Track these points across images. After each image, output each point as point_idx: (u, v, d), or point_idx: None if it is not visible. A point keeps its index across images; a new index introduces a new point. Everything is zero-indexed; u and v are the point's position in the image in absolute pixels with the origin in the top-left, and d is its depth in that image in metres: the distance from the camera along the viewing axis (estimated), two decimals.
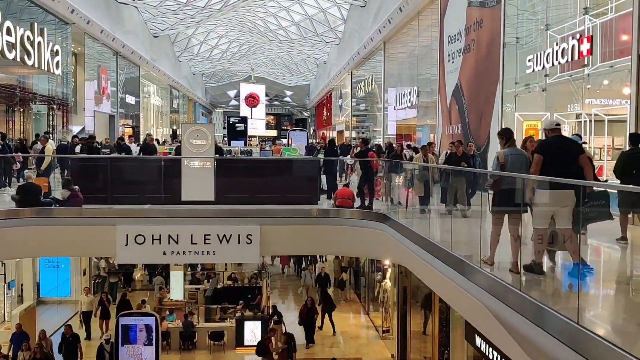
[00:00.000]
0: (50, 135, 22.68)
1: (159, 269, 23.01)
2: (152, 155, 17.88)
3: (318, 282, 21.14)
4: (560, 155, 6.60)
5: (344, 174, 16.08)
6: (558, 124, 7.08)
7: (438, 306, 13.50)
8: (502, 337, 6.12)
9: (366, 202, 12.88)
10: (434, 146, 13.47)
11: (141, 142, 21.89)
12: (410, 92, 24.77)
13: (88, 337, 17.81)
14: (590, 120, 13.09)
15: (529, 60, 14.25)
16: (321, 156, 17.87)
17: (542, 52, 13.67)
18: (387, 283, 18.57)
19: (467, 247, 7.86)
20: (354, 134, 38.47)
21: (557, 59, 13.03)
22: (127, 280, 23.40)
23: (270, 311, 18.32)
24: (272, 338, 15.78)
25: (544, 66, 13.63)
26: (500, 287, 6.16)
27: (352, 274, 23.62)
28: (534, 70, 14.15)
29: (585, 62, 12.37)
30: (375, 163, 13.43)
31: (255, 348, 15.71)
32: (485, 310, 6.37)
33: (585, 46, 12.10)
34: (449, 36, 19.39)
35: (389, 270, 18.36)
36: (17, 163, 16.25)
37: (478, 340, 10.29)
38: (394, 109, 28.03)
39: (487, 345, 9.76)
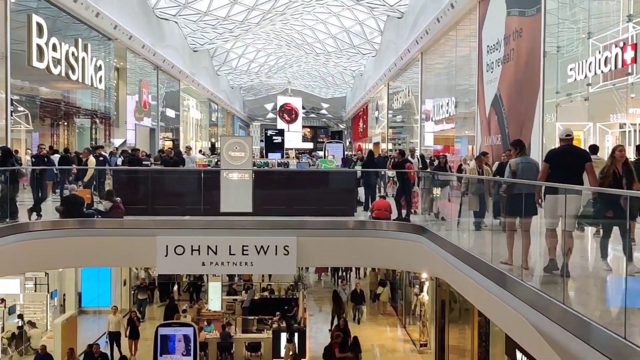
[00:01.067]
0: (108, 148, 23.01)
1: (184, 280, 23.14)
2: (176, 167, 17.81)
3: (353, 299, 20.87)
4: (565, 163, 7.23)
5: (382, 186, 15.92)
6: (569, 135, 7.61)
7: (477, 320, 13.28)
8: (544, 351, 5.97)
9: (403, 214, 12.78)
10: (488, 157, 12.89)
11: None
12: (448, 103, 24.57)
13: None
14: (635, 130, 12.74)
15: (571, 69, 13.99)
16: (358, 168, 17.85)
17: (584, 61, 13.39)
18: (425, 296, 18.36)
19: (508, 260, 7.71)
20: (390, 146, 38.30)
21: (599, 68, 12.75)
22: (167, 292, 23.41)
23: (286, 328, 18.04)
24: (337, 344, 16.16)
25: (586, 75, 13.35)
26: (543, 300, 6.02)
27: (389, 287, 23.40)
28: (575, 79, 13.87)
29: (629, 71, 12.07)
30: (412, 175, 13.34)
31: (323, 353, 16.18)
32: (527, 324, 6.23)
33: (629, 54, 11.81)
34: (488, 46, 19.18)
35: (426, 283, 18.16)
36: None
37: (519, 355, 10.07)
38: (431, 120, 27.84)
39: None
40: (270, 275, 23.84)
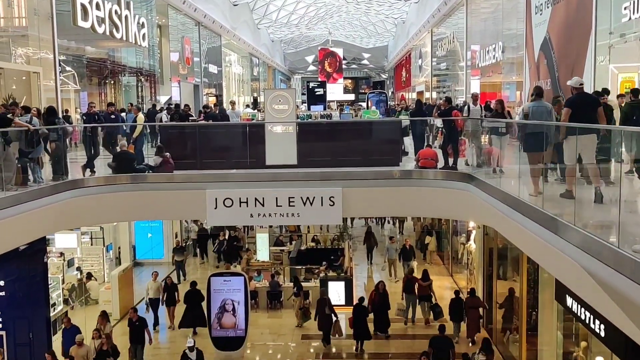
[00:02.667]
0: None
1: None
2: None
3: (402, 256, 20.56)
4: (582, 108, 8.48)
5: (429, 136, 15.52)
6: (582, 83, 8.89)
7: (526, 267, 13.22)
8: (596, 295, 5.95)
9: (450, 163, 12.65)
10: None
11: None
12: (494, 49, 23.85)
13: (155, 325, 16.71)
14: None
15: (625, 8, 13.30)
16: (402, 117, 17.67)
17: None
18: (472, 245, 18.34)
19: (559, 205, 7.61)
20: (434, 95, 37.62)
21: None
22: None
23: (292, 282, 18.06)
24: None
25: None
26: (595, 244, 5.94)
27: (435, 236, 23.42)
28: (630, 18, 13.20)
29: None
30: (459, 122, 13.11)
31: (403, 286, 17.11)
32: (579, 269, 6.19)
33: None
34: None
35: (473, 232, 18.10)
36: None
37: (569, 300, 10.03)
38: (477, 66, 27.13)
39: (579, 305, 9.49)
40: (321, 227, 24.09)
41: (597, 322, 8.81)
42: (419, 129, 14.52)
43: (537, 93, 9.93)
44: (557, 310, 11.33)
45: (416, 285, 16.86)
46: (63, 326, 14.40)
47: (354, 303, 16.29)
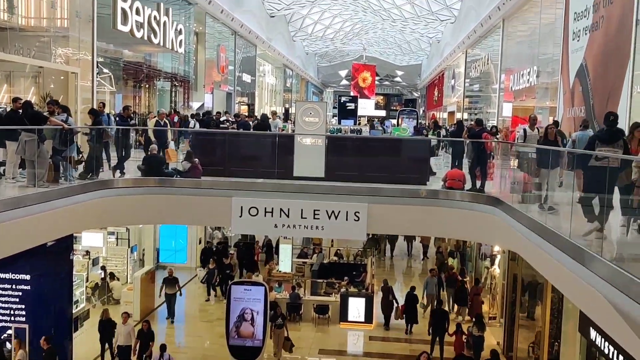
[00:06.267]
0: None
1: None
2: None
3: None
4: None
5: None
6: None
7: (550, 296, 12.98)
8: (622, 330, 5.80)
9: (478, 185, 12.53)
10: None
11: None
12: (529, 72, 23.64)
13: None
14: None
15: None
16: (430, 136, 17.59)
17: None
18: (496, 270, 18.09)
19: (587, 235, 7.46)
20: (465, 115, 37.38)
21: None
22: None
23: (273, 312, 15.92)
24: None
25: None
26: (623, 278, 5.81)
27: (459, 259, 23.13)
28: None
29: None
30: (489, 145, 12.99)
31: (445, 282, 19.25)
32: (605, 302, 6.05)
33: None
34: (575, 13, 18.22)
35: (498, 256, 17.86)
36: None
37: (593, 333, 9.81)
38: (511, 89, 26.90)
39: (603, 339, 9.28)
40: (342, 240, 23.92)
41: (621, 357, 8.60)
42: (458, 150, 14.27)
43: (585, 125, 11.67)
44: (580, 343, 11.08)
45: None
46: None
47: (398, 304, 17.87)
